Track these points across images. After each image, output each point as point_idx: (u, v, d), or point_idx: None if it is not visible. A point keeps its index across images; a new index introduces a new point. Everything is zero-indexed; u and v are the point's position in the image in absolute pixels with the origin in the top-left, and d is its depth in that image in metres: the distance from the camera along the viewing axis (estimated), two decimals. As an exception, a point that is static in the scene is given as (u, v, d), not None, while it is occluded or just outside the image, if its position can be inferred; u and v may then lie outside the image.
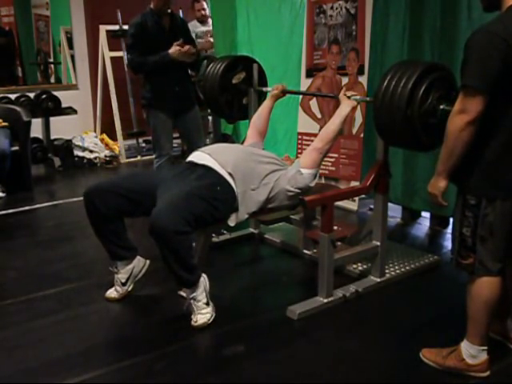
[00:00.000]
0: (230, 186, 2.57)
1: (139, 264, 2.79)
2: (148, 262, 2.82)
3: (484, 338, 2.07)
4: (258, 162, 2.71)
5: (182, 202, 2.37)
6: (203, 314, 2.48)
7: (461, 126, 1.86)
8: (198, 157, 2.73)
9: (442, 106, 2.35)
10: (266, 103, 3.24)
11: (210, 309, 2.50)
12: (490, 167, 1.93)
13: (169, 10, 3.82)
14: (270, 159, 2.77)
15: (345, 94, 2.78)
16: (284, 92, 3.27)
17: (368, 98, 2.81)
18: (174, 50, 3.69)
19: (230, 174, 2.60)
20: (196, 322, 2.47)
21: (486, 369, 2.10)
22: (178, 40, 3.75)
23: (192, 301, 2.47)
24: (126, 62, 6.35)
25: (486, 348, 2.08)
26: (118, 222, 2.65)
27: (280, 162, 2.80)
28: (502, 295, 2.08)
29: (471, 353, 2.08)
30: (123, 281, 2.75)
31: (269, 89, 3.42)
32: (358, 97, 2.78)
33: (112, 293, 2.77)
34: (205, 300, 2.49)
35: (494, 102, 1.84)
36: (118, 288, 2.76)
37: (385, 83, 2.41)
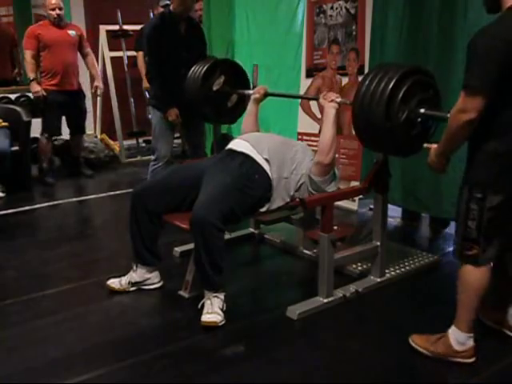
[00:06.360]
0: (266, 173, 2.68)
1: (154, 280, 2.84)
2: (162, 283, 2.86)
3: (471, 325, 2.14)
4: (289, 151, 2.81)
5: (221, 196, 2.49)
6: (217, 315, 2.47)
7: (460, 125, 1.93)
8: (237, 144, 2.83)
9: (422, 111, 2.37)
10: (251, 109, 3.23)
11: (223, 315, 2.49)
12: (497, 162, 1.97)
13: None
14: (299, 147, 2.88)
15: (324, 98, 2.80)
16: (266, 95, 3.25)
17: (348, 102, 2.81)
18: (174, 115, 3.75)
19: (266, 160, 2.71)
20: (209, 318, 2.45)
21: (472, 355, 2.17)
22: (193, 45, 3.78)
23: (214, 299, 2.49)
24: (125, 61, 6.37)
25: (472, 335, 2.15)
26: (159, 225, 2.73)
27: (306, 153, 2.86)
28: (505, 284, 2.21)
29: (459, 340, 2.15)
30: (133, 281, 2.80)
31: (250, 92, 3.37)
32: (339, 99, 2.80)
33: (114, 283, 2.82)
34: (221, 305, 2.51)
35: (501, 99, 1.90)
36: (123, 282, 2.80)
37: (363, 88, 2.41)
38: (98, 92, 5.45)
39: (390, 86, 2.33)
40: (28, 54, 5.05)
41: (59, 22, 5.07)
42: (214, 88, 3.40)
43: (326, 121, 2.76)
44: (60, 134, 5.40)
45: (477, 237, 2.04)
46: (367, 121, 2.41)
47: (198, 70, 3.41)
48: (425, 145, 2.25)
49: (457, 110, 1.93)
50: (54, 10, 5.03)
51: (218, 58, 3.67)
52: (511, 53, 1.83)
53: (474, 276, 2.09)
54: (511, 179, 1.98)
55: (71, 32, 5.16)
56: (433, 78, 2.48)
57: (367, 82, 2.41)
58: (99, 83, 5.41)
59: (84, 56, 5.33)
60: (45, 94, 4.99)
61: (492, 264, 2.12)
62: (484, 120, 1.92)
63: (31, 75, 5.02)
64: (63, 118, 5.27)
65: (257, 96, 3.22)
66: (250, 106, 3.24)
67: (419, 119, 2.37)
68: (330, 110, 2.75)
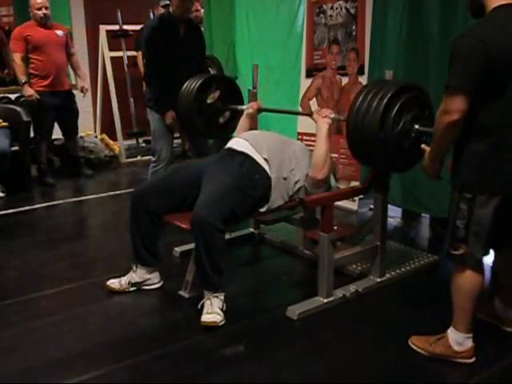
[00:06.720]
0: (266, 172, 2.68)
1: (154, 280, 2.84)
2: (162, 283, 2.86)
3: (469, 326, 2.15)
4: (288, 150, 2.81)
5: (221, 196, 2.49)
6: (217, 315, 2.47)
7: (445, 126, 1.95)
8: (236, 143, 2.82)
9: (416, 126, 2.39)
10: (242, 124, 3.21)
11: (223, 315, 2.50)
12: (485, 162, 1.98)
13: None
14: (297, 147, 2.87)
15: (318, 114, 2.82)
16: (260, 110, 3.25)
17: (342, 118, 2.83)
18: (171, 118, 3.72)
19: (265, 160, 2.70)
20: (209, 318, 2.46)
21: (472, 355, 2.17)
22: (192, 46, 3.76)
23: (213, 299, 2.49)
24: (125, 61, 6.37)
25: (471, 336, 2.16)
26: (159, 226, 2.73)
27: (305, 153, 2.86)
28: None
29: (457, 340, 2.15)
30: (133, 281, 2.81)
31: (244, 107, 3.35)
32: (332, 115, 2.80)
33: (114, 283, 2.82)
34: (220, 305, 2.51)
35: (483, 101, 1.91)
36: (123, 283, 2.80)
37: (357, 105, 2.43)
38: (84, 92, 5.37)
39: (388, 96, 2.34)
40: (17, 57, 4.95)
41: (46, 22, 5.00)
42: (208, 101, 3.37)
43: (319, 137, 2.77)
44: (50, 138, 5.34)
45: (465, 236, 2.05)
46: (361, 135, 2.43)
47: (193, 82, 3.38)
48: (422, 145, 2.26)
49: (440, 112, 1.95)
50: (40, 9, 4.94)
51: (216, 74, 3.63)
52: (491, 54, 1.85)
53: (466, 278, 2.09)
54: (499, 179, 1.98)
55: (59, 32, 5.11)
56: (429, 99, 2.50)
57: (362, 97, 2.43)
58: (85, 84, 5.35)
59: (69, 56, 5.26)
60: (38, 97, 4.94)
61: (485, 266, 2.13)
62: (469, 121, 1.93)
63: (22, 78, 4.95)
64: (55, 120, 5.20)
65: (250, 111, 3.21)
66: (242, 121, 3.22)
67: (413, 134, 2.39)
68: (324, 126, 2.76)
